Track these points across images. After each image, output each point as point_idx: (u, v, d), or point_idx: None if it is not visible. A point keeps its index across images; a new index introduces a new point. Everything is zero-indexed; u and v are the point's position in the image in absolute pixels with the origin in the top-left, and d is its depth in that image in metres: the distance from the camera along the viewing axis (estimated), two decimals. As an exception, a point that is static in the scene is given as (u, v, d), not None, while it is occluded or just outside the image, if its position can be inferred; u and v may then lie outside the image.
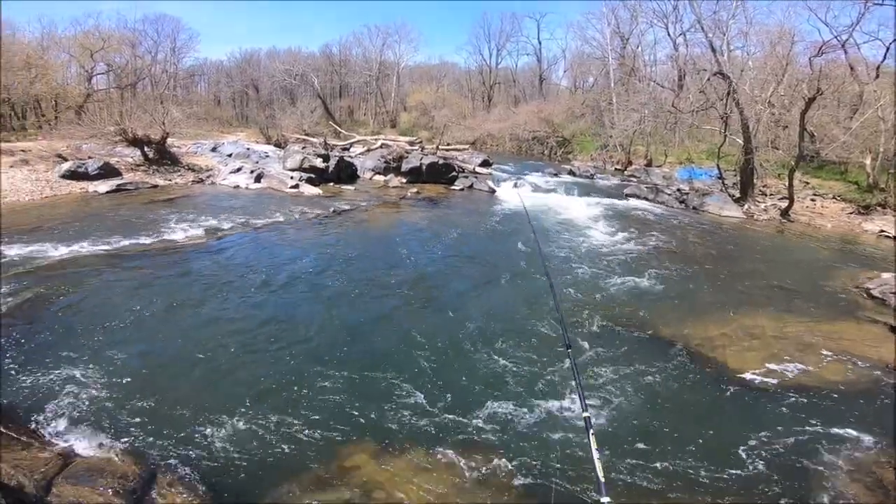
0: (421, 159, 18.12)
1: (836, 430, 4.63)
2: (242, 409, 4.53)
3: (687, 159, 23.24)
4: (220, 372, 5.19)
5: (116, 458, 3.82)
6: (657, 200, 16.18)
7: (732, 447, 4.37)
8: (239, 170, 16.18)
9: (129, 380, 4.89)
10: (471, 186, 17.37)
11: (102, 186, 13.90)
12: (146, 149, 16.78)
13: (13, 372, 4.91)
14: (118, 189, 13.97)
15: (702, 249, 10.98)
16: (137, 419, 4.35)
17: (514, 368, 5.45)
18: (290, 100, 40.45)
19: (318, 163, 16.65)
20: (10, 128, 22.38)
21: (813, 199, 16.48)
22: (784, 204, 14.98)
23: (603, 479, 1.72)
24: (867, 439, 4.54)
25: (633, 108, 22.83)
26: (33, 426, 4.18)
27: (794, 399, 5.15)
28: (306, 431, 4.29)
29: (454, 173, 18.15)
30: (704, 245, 11.40)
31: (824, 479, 4.06)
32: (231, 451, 4.04)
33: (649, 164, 23.70)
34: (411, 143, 26.07)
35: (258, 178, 15.47)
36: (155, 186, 14.69)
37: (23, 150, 16.23)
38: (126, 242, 9.06)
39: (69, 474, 3.60)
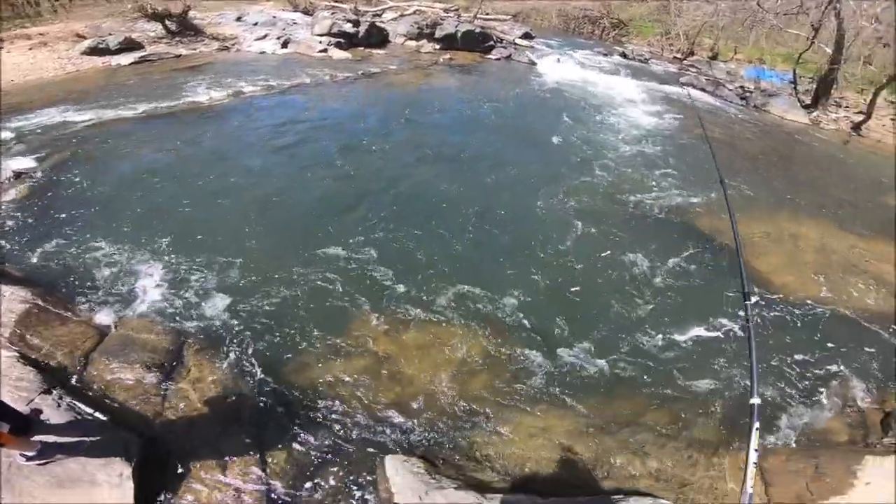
0: (456, 26, 16.45)
1: (834, 366, 4.24)
2: (260, 274, 4.47)
3: (759, 59, 20.07)
4: (240, 233, 5.08)
5: (146, 331, 3.75)
6: (716, 94, 14.35)
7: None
8: (265, 37, 15.43)
9: (153, 243, 4.87)
10: (508, 57, 15.87)
11: (125, 59, 13.43)
12: (167, 22, 16.07)
13: (46, 240, 4.77)
14: (141, 60, 13.46)
15: (755, 147, 9.94)
16: (164, 286, 4.27)
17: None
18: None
19: (348, 27, 15.51)
20: (25, 14, 21.71)
21: (893, 119, 13.85)
22: (859, 118, 13.01)
23: (751, 491, 1.24)
24: (864, 380, 4.14)
25: (708, -1, 19.62)
26: (69, 299, 4.02)
27: (808, 314, 4.81)
28: (323, 297, 4.21)
29: (491, 42, 16.55)
30: (759, 143, 10.29)
31: (800, 413, 3.74)
32: (250, 318, 3.99)
33: (714, 58, 20.56)
34: (446, 10, 23.70)
35: (285, 44, 14.68)
36: (178, 56, 14.08)
37: (40, 34, 15.72)
38: (149, 106, 9.01)
39: (104, 349, 3.53)
